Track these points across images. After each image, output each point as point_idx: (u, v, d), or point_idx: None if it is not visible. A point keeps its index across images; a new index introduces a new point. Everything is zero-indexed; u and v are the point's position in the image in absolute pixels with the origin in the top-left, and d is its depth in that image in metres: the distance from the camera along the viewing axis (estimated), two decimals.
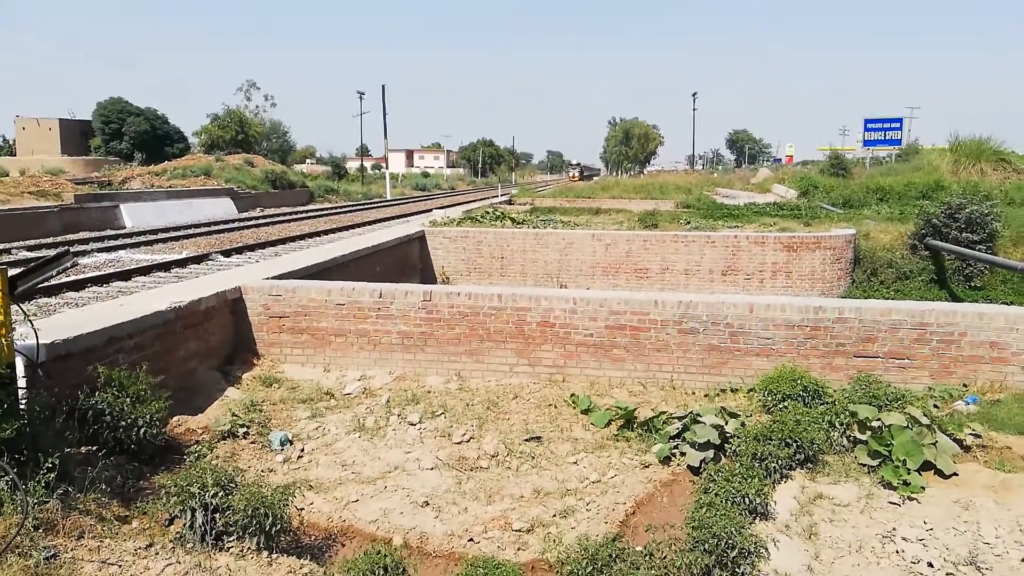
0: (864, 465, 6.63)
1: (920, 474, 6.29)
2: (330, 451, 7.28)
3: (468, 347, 9.15)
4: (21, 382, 5.67)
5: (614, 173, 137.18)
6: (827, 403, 7.60)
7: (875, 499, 6.09)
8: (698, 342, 8.81)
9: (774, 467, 6.32)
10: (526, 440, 7.55)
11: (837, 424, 7.13)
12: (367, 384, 8.87)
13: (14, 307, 5.55)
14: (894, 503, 6.02)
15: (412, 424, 7.83)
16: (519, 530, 5.88)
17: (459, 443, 7.44)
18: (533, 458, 7.22)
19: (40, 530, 4.72)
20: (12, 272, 5.64)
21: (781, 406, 7.62)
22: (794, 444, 6.54)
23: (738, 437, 6.92)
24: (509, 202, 34.13)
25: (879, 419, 6.87)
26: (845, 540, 5.51)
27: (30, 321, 5.71)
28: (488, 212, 22.71)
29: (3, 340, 5.31)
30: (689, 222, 24.16)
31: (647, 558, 4.52)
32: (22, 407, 5.45)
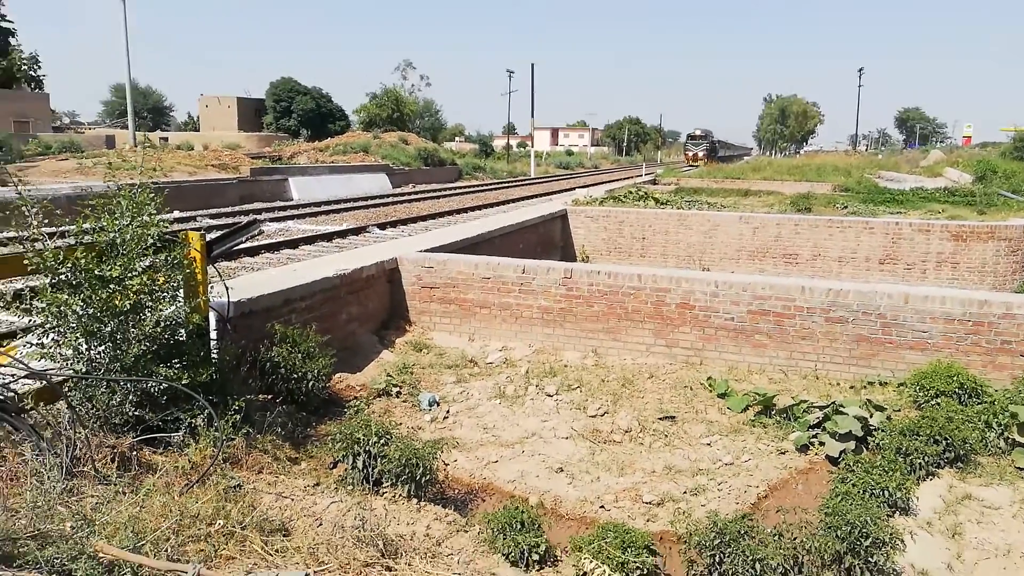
0: (1021, 469, 6.27)
1: None
2: (473, 414, 7.77)
3: (606, 325, 9.36)
4: (213, 334, 6.51)
5: (768, 153, 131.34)
6: (985, 403, 7.19)
7: None
8: (846, 332, 8.54)
9: (920, 463, 6.11)
10: (660, 418, 7.70)
11: (994, 425, 6.75)
12: (508, 355, 9.31)
13: (210, 268, 6.37)
14: None
15: (549, 395, 8.17)
16: (649, 502, 6.08)
17: (593, 416, 7.71)
18: (666, 436, 7.36)
19: (228, 463, 5.46)
20: (209, 237, 6.47)
21: (933, 403, 7.30)
22: (944, 442, 6.28)
23: (882, 431, 6.73)
24: (653, 182, 33.74)
25: None
26: (992, 543, 5.29)
27: (224, 281, 6.52)
28: (631, 192, 22.63)
29: (201, 297, 6.13)
30: (846, 206, 22.97)
31: (776, 538, 4.58)
32: (214, 356, 6.27)
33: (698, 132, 74.04)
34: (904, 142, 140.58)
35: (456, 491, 6.29)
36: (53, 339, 5.28)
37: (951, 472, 6.28)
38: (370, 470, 5.58)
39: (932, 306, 8.18)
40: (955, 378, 7.48)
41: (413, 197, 30.81)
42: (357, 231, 18.24)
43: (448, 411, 7.82)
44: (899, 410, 7.53)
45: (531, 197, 30.05)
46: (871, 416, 7.00)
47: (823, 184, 31.35)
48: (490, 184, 43.04)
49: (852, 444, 6.68)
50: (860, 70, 74.12)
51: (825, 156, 57.15)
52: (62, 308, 5.12)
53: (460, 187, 39.58)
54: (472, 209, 24.46)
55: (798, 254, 17.06)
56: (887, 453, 6.23)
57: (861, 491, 5.46)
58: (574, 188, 29.79)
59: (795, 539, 4.58)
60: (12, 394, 4.77)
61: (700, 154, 69.25)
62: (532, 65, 58.26)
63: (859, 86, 74.91)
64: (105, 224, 5.44)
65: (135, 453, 5.09)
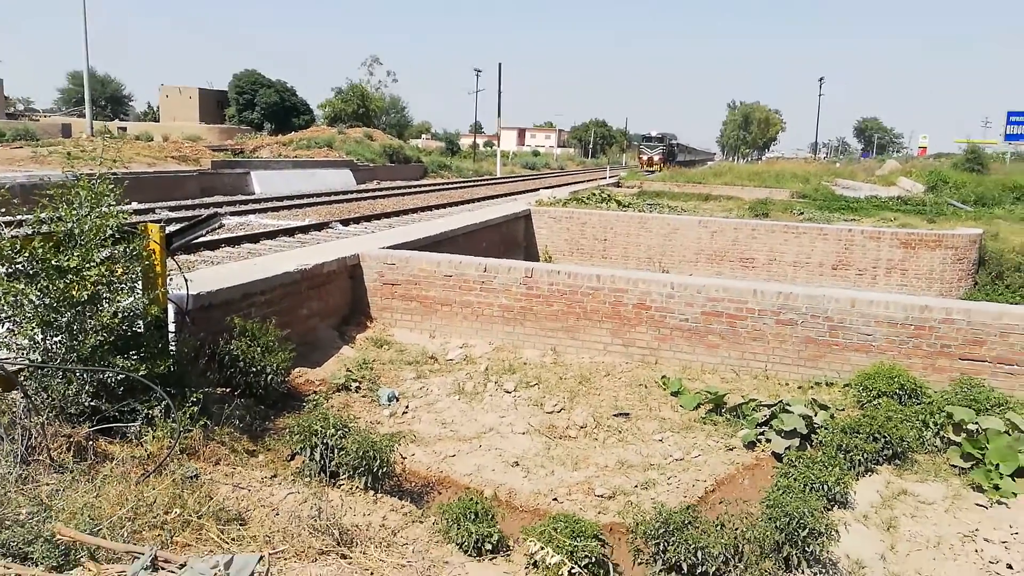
0: (955, 467, 6.60)
1: (1014, 480, 6.21)
2: (432, 410, 7.88)
3: (565, 324, 9.54)
4: (172, 327, 6.51)
5: (731, 158, 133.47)
6: (924, 403, 7.53)
7: (962, 500, 6.08)
8: (795, 334, 8.84)
9: (859, 460, 6.40)
10: (615, 415, 7.89)
11: (931, 424, 7.09)
12: (468, 352, 9.43)
13: (169, 261, 6.38)
14: (981, 505, 6.00)
15: (508, 392, 8.32)
16: (601, 496, 6.26)
17: (550, 412, 7.87)
18: (620, 432, 7.56)
19: (185, 454, 5.49)
20: (169, 230, 6.47)
21: (875, 403, 7.61)
22: (882, 439, 6.58)
23: (826, 428, 7.01)
24: (617, 184, 34.13)
25: (976, 422, 6.79)
26: (924, 536, 5.57)
27: (183, 274, 6.52)
28: (594, 194, 22.92)
29: (160, 289, 6.14)
30: (803, 213, 23.58)
31: (719, 528, 4.79)
32: (172, 348, 6.28)
33: (654, 134, 66.12)
34: (862, 151, 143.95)
35: (413, 484, 6.39)
36: (9, 328, 5.26)
37: (889, 469, 6.57)
38: (327, 462, 5.66)
39: (876, 310, 8.52)
40: (896, 379, 7.81)
41: (377, 194, 30.69)
42: (320, 227, 18.13)
43: (407, 406, 7.92)
44: (843, 409, 7.83)
45: (496, 196, 30.15)
46: (815, 415, 7.28)
47: (782, 190, 32.07)
48: (455, 183, 43.04)
49: (797, 441, 6.95)
50: (820, 79, 76.19)
51: (785, 163, 58.31)
52: (18, 298, 5.11)
53: (425, 185, 39.51)
54: (437, 207, 24.48)
55: (754, 258, 17.48)
56: (828, 450, 6.50)
57: (802, 485, 5.71)
58: (539, 189, 30.00)
59: (736, 529, 4.79)
60: None
61: (656, 158, 62.63)
62: (499, 65, 58.67)
63: (819, 95, 76.98)
64: (63, 214, 5.43)
65: (91, 443, 5.10)
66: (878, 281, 16.78)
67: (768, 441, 7.14)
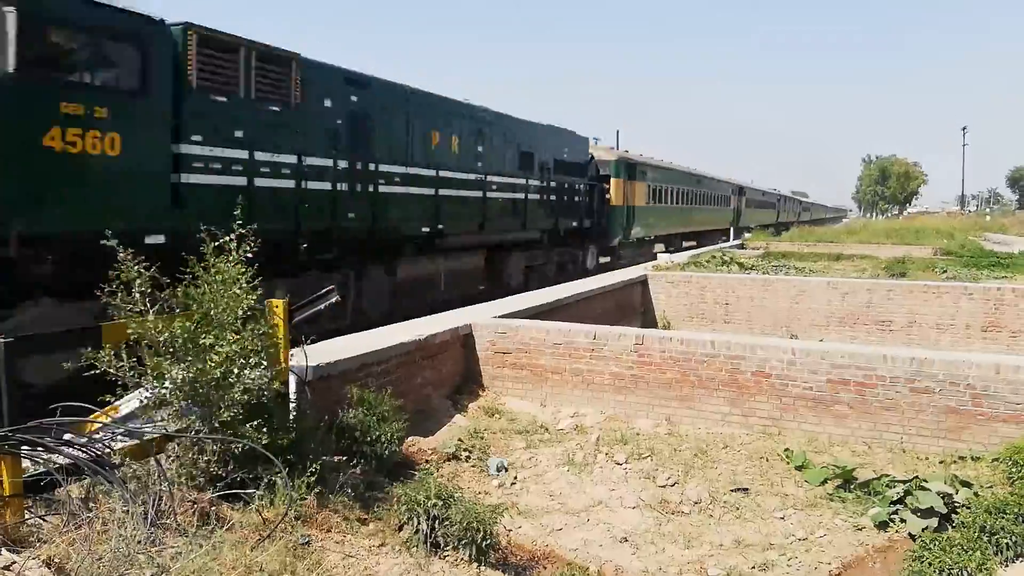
0: None
1: None
2: (540, 481, 7.83)
3: (679, 392, 9.28)
4: (293, 396, 6.90)
5: (868, 215, 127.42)
6: None
7: None
8: (933, 403, 8.17)
9: (1007, 543, 5.74)
10: (732, 490, 7.53)
11: None
12: (579, 421, 9.34)
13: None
14: None
15: (618, 463, 8.14)
16: None
17: (663, 486, 7.62)
18: (737, 509, 7.20)
19: (299, 520, 5.73)
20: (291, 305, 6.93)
21: None
22: None
23: (968, 508, 6.38)
24: (741, 246, 33.22)
25: None
26: None
27: (303, 348, 6.94)
28: (715, 256, 22.44)
29: (284, 362, 6.55)
30: (945, 271, 21.99)
31: None
32: (292, 417, 6.64)
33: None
34: (1017, 202, 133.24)
35: (518, 557, 6.33)
36: (153, 402, 5.76)
37: None
38: (432, 532, 5.73)
39: None
40: None
41: None
42: None
43: (516, 477, 7.91)
44: (991, 486, 7.10)
45: None
46: (957, 492, 6.65)
47: (923, 247, 30.10)
48: None
49: (935, 521, 6.35)
50: (963, 129, 71.57)
51: (927, 218, 54.97)
52: (160, 372, 5.60)
53: None
54: None
55: (891, 320, 16.41)
56: (970, 532, 5.89)
57: (937, 571, 5.19)
58: (656, 253, 29.67)
59: None
60: (108, 450, 5.22)
61: None
62: (617, 132, 59.23)
63: (964, 144, 72.25)
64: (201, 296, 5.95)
65: (214, 508, 5.43)
66: None
67: (902, 521, 6.57)
